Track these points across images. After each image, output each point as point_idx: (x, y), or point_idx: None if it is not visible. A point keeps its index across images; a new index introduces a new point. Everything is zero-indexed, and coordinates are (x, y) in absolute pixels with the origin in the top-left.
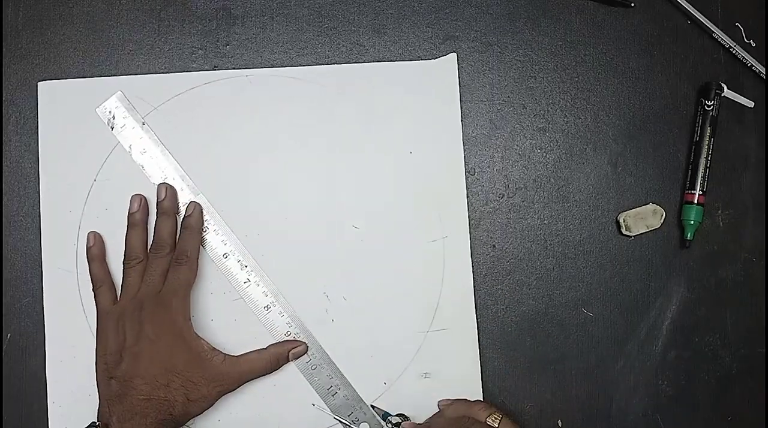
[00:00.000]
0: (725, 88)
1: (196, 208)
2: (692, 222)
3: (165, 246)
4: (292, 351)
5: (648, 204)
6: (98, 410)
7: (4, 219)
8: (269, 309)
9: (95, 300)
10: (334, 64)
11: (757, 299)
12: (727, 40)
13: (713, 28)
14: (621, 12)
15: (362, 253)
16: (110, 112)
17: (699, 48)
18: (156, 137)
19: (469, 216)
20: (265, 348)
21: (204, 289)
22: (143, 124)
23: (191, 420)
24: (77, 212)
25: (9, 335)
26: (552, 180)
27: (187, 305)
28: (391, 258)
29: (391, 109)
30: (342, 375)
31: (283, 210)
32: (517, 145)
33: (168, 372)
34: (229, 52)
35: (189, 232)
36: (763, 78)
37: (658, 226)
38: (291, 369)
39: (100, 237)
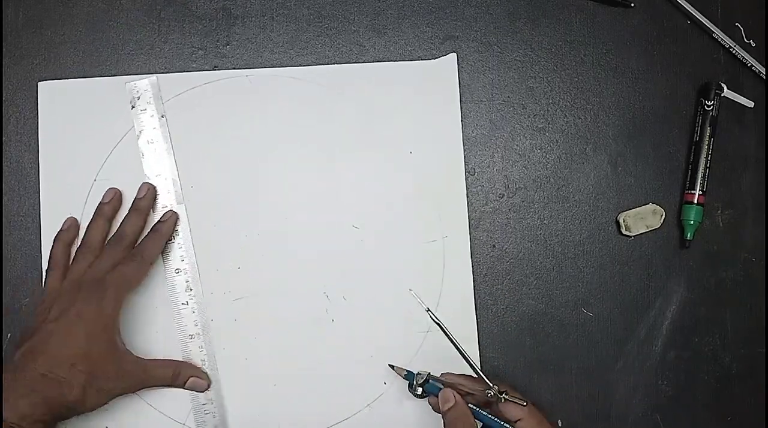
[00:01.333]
0: (725, 88)
1: (171, 217)
2: (692, 222)
3: (125, 239)
4: (192, 379)
5: (648, 204)
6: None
7: (4, 219)
8: (192, 339)
9: (45, 279)
10: (334, 64)
11: (757, 299)
12: (727, 40)
13: (713, 28)
14: (621, 12)
15: (362, 253)
16: (138, 91)
17: (699, 48)
18: (168, 134)
19: (469, 216)
20: (172, 360)
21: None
22: (162, 117)
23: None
24: (77, 212)
25: (9, 335)
26: (552, 180)
27: (121, 301)
28: (391, 258)
29: (391, 109)
30: None
31: (283, 210)
32: (517, 145)
33: (77, 355)
34: (229, 52)
35: (156, 236)
36: (763, 78)
37: (658, 226)
38: (291, 369)
39: (77, 225)
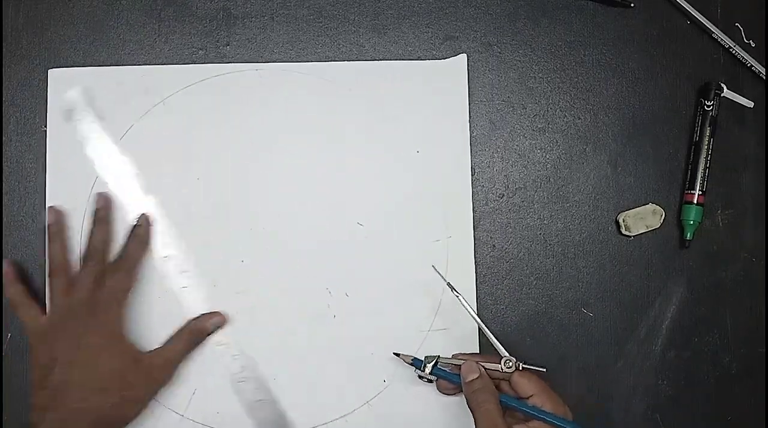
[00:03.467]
0: (725, 88)
1: (145, 220)
2: (692, 222)
3: (96, 254)
4: (211, 321)
5: (648, 204)
6: (29, 419)
7: (4, 219)
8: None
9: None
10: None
11: (757, 299)
12: (726, 40)
13: (713, 28)
14: (621, 12)
15: (366, 250)
16: (70, 103)
17: (699, 48)
18: (112, 133)
19: None
20: (178, 329)
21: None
22: (102, 119)
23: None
24: (83, 200)
25: (9, 335)
26: (552, 180)
27: (123, 312)
28: (394, 256)
29: (399, 108)
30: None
31: (289, 205)
32: (517, 145)
33: (104, 377)
34: (229, 53)
35: (136, 241)
36: (762, 78)
37: (658, 226)
38: (290, 362)
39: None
